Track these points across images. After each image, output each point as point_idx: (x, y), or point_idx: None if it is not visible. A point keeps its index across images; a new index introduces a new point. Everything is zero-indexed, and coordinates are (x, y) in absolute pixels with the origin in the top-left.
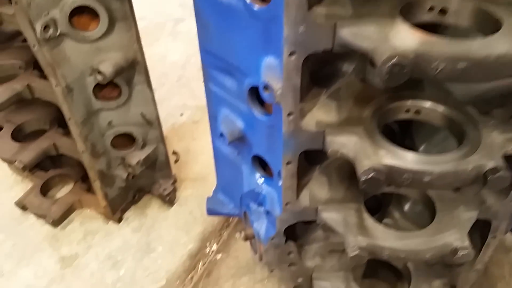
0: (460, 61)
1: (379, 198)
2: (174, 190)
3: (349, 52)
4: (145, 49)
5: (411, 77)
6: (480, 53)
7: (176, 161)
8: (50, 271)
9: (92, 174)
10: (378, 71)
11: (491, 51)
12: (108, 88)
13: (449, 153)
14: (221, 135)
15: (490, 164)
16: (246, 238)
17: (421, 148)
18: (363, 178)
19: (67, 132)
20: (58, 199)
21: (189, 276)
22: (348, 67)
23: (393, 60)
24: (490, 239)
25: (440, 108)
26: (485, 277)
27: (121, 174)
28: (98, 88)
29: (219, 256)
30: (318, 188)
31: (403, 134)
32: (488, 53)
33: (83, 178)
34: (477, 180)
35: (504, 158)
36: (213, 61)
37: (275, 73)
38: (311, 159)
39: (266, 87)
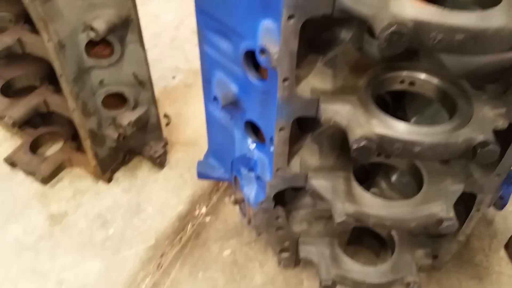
0: (458, 33)
1: (367, 168)
2: (165, 153)
3: (348, 19)
4: (138, 8)
5: (407, 49)
6: (479, 26)
7: (167, 124)
8: (39, 228)
9: (82, 133)
10: (377, 39)
11: (490, 24)
12: (100, 46)
13: (440, 125)
14: (215, 98)
15: (480, 138)
16: (236, 202)
17: (413, 120)
18: (355, 146)
19: (58, 90)
20: (48, 157)
21: (178, 237)
22: (345, 35)
23: (392, 28)
24: (474, 212)
25: (434, 81)
26: (466, 249)
27: (112, 134)
28: (91, 45)
29: (208, 218)
30: (309, 155)
31: (396, 106)
32: (487, 26)
33: (73, 137)
34: (467, 153)
35: (494, 133)
36: (209, 22)
37: (273, 37)
38: (303, 126)
39: (263, 51)
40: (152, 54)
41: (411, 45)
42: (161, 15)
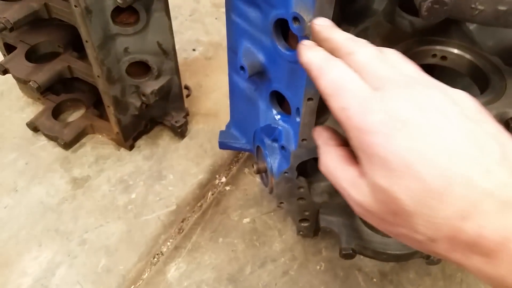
0: (501, 4)
1: None
2: (186, 123)
3: None
4: None
5: (441, 23)
6: None
7: (187, 96)
8: (61, 191)
9: (106, 100)
10: (418, 7)
11: None
12: (126, 13)
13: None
14: (241, 68)
15: None
16: (258, 171)
17: None
18: None
19: (82, 56)
20: (70, 122)
21: (199, 204)
22: (377, 7)
23: None
24: None
25: (467, 56)
26: None
27: (135, 102)
28: (117, 12)
29: (227, 188)
30: (335, 127)
31: None
32: None
33: (95, 105)
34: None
35: None
36: None
37: (307, 4)
38: None
39: (296, 18)
40: (173, 27)
41: (452, 15)
42: None
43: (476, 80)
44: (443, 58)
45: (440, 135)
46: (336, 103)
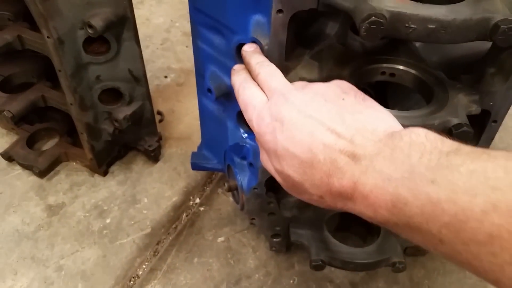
0: (430, 23)
1: None
2: (159, 147)
3: (332, 14)
4: None
5: (387, 43)
6: (447, 17)
7: (160, 121)
8: (37, 218)
9: (79, 127)
10: (358, 28)
11: (457, 16)
12: (97, 42)
13: (419, 110)
14: (209, 90)
15: (455, 120)
16: (229, 189)
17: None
18: None
19: (55, 85)
20: (45, 151)
21: (173, 226)
22: (330, 31)
23: (371, 19)
24: None
25: (413, 71)
26: None
27: (108, 128)
28: (88, 42)
29: (202, 208)
30: None
31: (378, 99)
32: (454, 17)
33: (69, 133)
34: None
35: (469, 118)
36: (203, 19)
37: (263, 30)
38: None
39: (255, 42)
40: (144, 55)
41: (389, 35)
42: (152, 18)
43: (423, 93)
44: (392, 75)
45: (305, 122)
46: (246, 116)
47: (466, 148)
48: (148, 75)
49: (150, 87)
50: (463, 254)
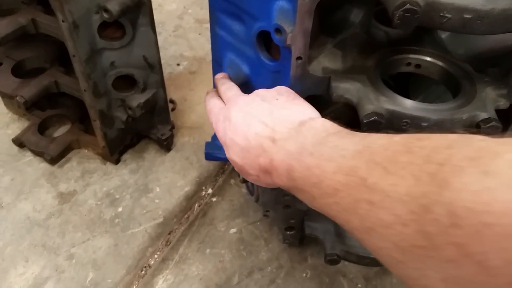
0: (466, 12)
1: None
2: (172, 136)
3: (358, 1)
4: None
5: (414, 33)
6: (485, 6)
7: (173, 109)
8: (48, 206)
9: (92, 114)
10: (391, 16)
11: (496, 5)
12: (112, 27)
13: (446, 103)
14: None
15: (483, 115)
16: (244, 180)
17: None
18: (365, 121)
19: (68, 71)
20: (56, 137)
21: (186, 216)
22: (354, 19)
23: (406, 6)
24: None
25: (439, 63)
26: None
27: (121, 115)
28: (103, 27)
29: (214, 199)
30: None
31: (400, 91)
32: (493, 7)
33: (81, 120)
34: (471, 129)
35: (496, 111)
36: (222, 4)
37: (288, 16)
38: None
39: (278, 30)
40: None
41: (423, 24)
42: (164, 4)
43: (449, 86)
44: (417, 66)
45: (244, 117)
46: (210, 120)
47: (345, 131)
48: (161, 62)
49: (163, 75)
50: (325, 207)
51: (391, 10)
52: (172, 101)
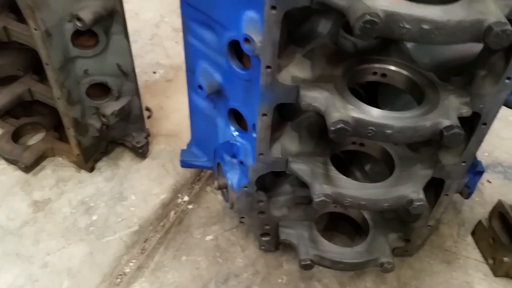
0: (424, 23)
1: (342, 159)
2: (147, 144)
3: (325, 12)
4: None
5: (379, 43)
6: (442, 18)
7: (149, 117)
8: (22, 214)
9: (66, 122)
10: (352, 27)
11: (452, 17)
12: (85, 36)
13: (410, 111)
14: (199, 87)
15: (446, 122)
16: (219, 187)
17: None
18: (332, 128)
19: (42, 79)
20: (30, 145)
21: (161, 223)
22: (322, 30)
23: (366, 17)
24: (443, 197)
25: (404, 72)
26: (436, 236)
27: (95, 123)
28: (76, 35)
29: (190, 206)
30: (289, 142)
31: (369, 99)
32: (449, 18)
33: (56, 127)
34: (434, 136)
35: (459, 119)
36: (194, 14)
37: (256, 26)
38: (284, 116)
39: (247, 39)
40: (133, 50)
41: (383, 34)
42: (141, 13)
43: (414, 94)
44: (383, 75)
45: None
46: None
47: None
48: (137, 70)
49: (139, 83)
50: None
51: (352, 22)
52: (148, 109)
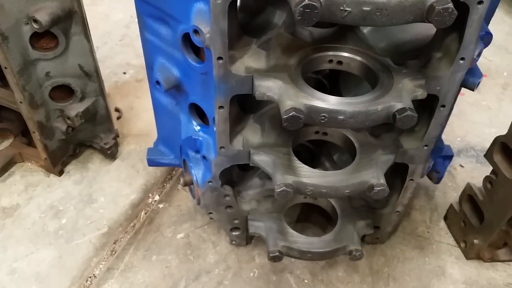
0: (365, 5)
1: (312, 149)
2: (116, 144)
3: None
4: (88, 8)
5: (336, 31)
6: None
7: (118, 118)
8: None
9: (31, 125)
10: (293, 13)
11: None
12: (45, 38)
13: (362, 96)
14: (158, 83)
15: (398, 105)
16: (185, 184)
17: None
18: (285, 116)
19: (5, 84)
20: None
21: (131, 224)
22: (278, 20)
23: (304, 2)
24: (408, 182)
25: (359, 58)
26: (408, 222)
27: (61, 126)
28: (35, 37)
29: (161, 205)
30: (252, 134)
31: (332, 88)
32: None
33: (23, 133)
34: (388, 120)
35: (416, 103)
36: (148, 9)
37: (204, 17)
38: (245, 108)
39: (196, 31)
40: (103, 51)
41: (325, 19)
42: (111, 14)
43: (369, 79)
44: (339, 62)
45: None
46: None
47: None
48: (107, 71)
49: (108, 84)
50: None
51: (293, 7)
52: (118, 110)
